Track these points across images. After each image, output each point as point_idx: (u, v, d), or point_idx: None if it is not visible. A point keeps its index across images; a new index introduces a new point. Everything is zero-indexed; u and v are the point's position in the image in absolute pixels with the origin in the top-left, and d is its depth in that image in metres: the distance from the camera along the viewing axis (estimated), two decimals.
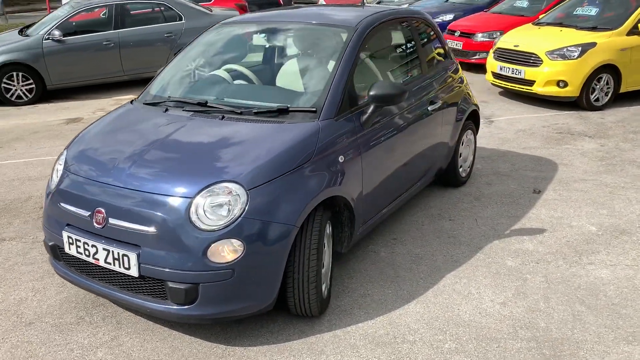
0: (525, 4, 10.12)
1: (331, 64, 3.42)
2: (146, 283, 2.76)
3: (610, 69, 7.24)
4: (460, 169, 4.88)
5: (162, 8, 9.21)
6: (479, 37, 9.55)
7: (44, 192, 3.37)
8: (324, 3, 16.98)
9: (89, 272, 2.96)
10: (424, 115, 4.06)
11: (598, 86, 7.26)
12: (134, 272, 2.73)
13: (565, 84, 7.15)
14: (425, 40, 4.53)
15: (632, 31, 7.28)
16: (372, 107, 3.35)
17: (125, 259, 2.73)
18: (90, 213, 2.85)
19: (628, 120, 6.91)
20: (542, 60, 7.26)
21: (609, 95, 7.38)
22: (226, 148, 2.99)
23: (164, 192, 2.75)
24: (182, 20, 9.19)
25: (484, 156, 5.70)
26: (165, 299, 2.75)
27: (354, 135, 3.28)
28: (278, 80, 3.63)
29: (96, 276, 2.94)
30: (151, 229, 2.69)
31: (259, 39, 4.07)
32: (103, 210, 2.80)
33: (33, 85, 8.39)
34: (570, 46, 7.17)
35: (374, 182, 3.46)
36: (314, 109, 3.18)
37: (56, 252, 3.09)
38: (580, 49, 7.11)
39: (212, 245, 2.64)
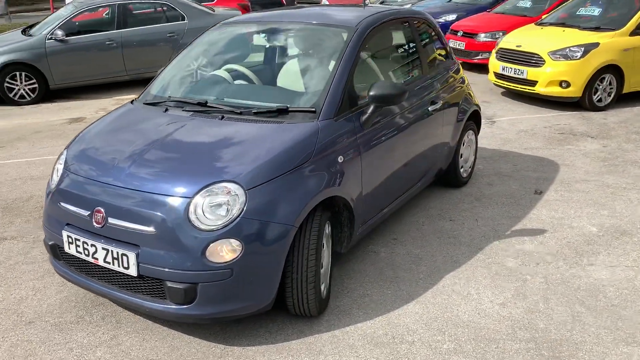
0: (528, 4, 10.09)
1: (331, 64, 3.42)
2: (145, 282, 2.77)
3: (613, 69, 7.21)
4: (461, 170, 4.87)
5: (165, 8, 9.24)
6: (482, 37, 9.53)
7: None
8: (327, 3, 16.99)
9: (88, 271, 2.97)
10: (424, 116, 4.05)
11: (601, 87, 7.24)
12: (132, 271, 2.74)
13: (568, 85, 7.13)
14: (426, 40, 4.53)
15: (635, 31, 7.25)
16: (372, 108, 3.35)
17: (124, 258, 2.74)
18: (89, 213, 2.85)
19: (631, 121, 6.89)
20: (544, 61, 7.25)
21: (612, 95, 7.36)
22: (225, 148, 3.00)
23: (163, 192, 2.76)
24: (184, 20, 9.21)
25: (485, 156, 5.69)
26: (164, 299, 2.76)
27: (354, 135, 3.28)
28: (278, 80, 3.63)
29: (95, 275, 2.94)
30: (150, 229, 2.70)
31: (259, 39, 4.07)
32: (102, 210, 2.81)
33: (36, 85, 8.42)
34: (572, 46, 7.15)
35: (373, 183, 3.46)
36: (314, 109, 3.18)
37: (56, 251, 3.10)
38: (583, 49, 7.09)
39: (211, 245, 2.65)
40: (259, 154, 2.89)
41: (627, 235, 4.05)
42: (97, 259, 2.83)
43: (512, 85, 7.74)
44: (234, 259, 2.66)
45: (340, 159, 3.12)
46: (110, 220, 2.79)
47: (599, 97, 7.28)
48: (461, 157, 4.82)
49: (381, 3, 15.52)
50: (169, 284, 2.69)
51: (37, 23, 9.39)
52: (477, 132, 5.14)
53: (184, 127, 3.18)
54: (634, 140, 6.18)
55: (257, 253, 2.71)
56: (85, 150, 3.23)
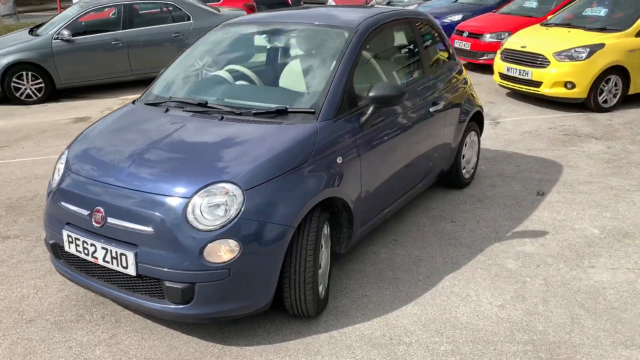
0: (534, 5, 10.05)
1: (331, 65, 3.42)
2: (143, 282, 2.79)
3: (618, 70, 7.17)
4: (464, 171, 4.86)
5: (171, 8, 9.27)
6: (487, 37, 9.50)
7: None
8: (333, 3, 16.99)
9: (88, 270, 2.99)
10: (425, 117, 4.05)
11: (606, 88, 7.20)
12: (131, 271, 2.75)
13: (573, 86, 7.10)
14: (428, 41, 4.52)
15: None
16: (371, 109, 3.35)
17: (123, 258, 2.76)
18: (89, 212, 2.87)
19: (636, 122, 6.85)
20: (549, 62, 7.22)
21: (617, 97, 7.31)
22: (224, 149, 3.01)
23: (161, 192, 2.77)
24: (190, 20, 9.24)
25: (488, 157, 5.68)
26: (162, 298, 2.77)
27: (353, 136, 3.28)
28: (278, 80, 3.64)
29: (95, 275, 2.96)
30: (149, 229, 2.72)
31: (261, 40, 4.08)
32: (102, 210, 2.83)
33: (42, 85, 8.48)
34: (578, 47, 7.12)
35: (373, 184, 3.46)
36: (313, 110, 3.19)
37: (56, 250, 3.12)
38: (588, 50, 7.05)
39: (209, 245, 2.66)
40: (257, 155, 2.90)
41: (629, 237, 4.03)
42: (96, 258, 2.85)
43: (516, 86, 7.72)
44: (231, 259, 2.68)
45: (339, 159, 3.13)
46: (110, 219, 2.81)
47: (604, 98, 7.24)
48: (463, 158, 4.81)
49: (387, 4, 15.51)
50: (167, 283, 2.70)
51: (44, 23, 9.46)
52: (479, 133, 5.12)
53: (183, 127, 3.20)
54: (639, 142, 6.14)
55: (255, 253, 2.72)
56: (86, 150, 3.25)
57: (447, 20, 11.31)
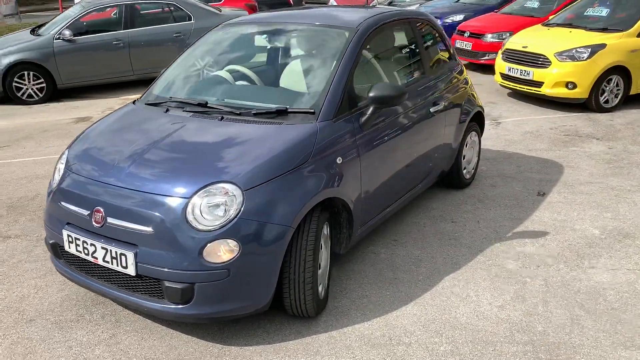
0: (536, 5, 10.04)
1: (331, 65, 3.42)
2: (143, 282, 2.79)
3: (620, 70, 7.16)
4: (464, 171, 4.86)
5: (172, 8, 9.28)
6: (489, 37, 9.50)
7: None
8: (335, 3, 16.99)
9: (88, 270, 3.00)
10: (425, 117, 4.05)
11: (608, 88, 7.19)
12: (131, 271, 2.76)
13: (574, 86, 7.09)
14: (429, 41, 4.52)
15: None
16: (371, 109, 3.35)
17: (123, 258, 2.76)
18: (89, 212, 2.88)
19: (638, 123, 6.84)
20: (550, 62, 7.21)
21: (619, 97, 7.30)
22: (224, 149, 3.01)
23: (161, 192, 2.77)
24: (191, 20, 9.25)
25: (489, 158, 5.67)
26: (162, 298, 2.78)
27: (353, 136, 3.28)
28: (278, 81, 3.64)
29: (95, 274, 2.97)
30: (148, 229, 2.72)
31: (261, 40, 4.08)
32: (102, 210, 2.84)
33: (44, 85, 8.49)
34: (579, 47, 7.11)
35: (373, 184, 3.46)
36: (312, 111, 3.19)
37: (57, 250, 3.12)
38: (589, 50, 7.04)
39: (208, 245, 2.66)
40: (257, 155, 2.90)
41: (629, 238, 4.02)
42: (96, 258, 2.86)
43: (518, 86, 7.71)
44: (231, 259, 2.68)
45: (339, 160, 3.13)
46: (110, 219, 2.81)
47: (605, 99, 7.24)
48: (464, 158, 4.81)
49: (389, 4, 15.51)
50: (167, 283, 2.70)
51: (46, 23, 9.47)
52: (480, 133, 5.12)
53: (183, 127, 3.20)
54: None
55: (254, 253, 2.72)
56: (86, 150, 3.26)
57: (449, 20, 11.31)
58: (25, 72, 8.36)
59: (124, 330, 3.07)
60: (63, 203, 3.02)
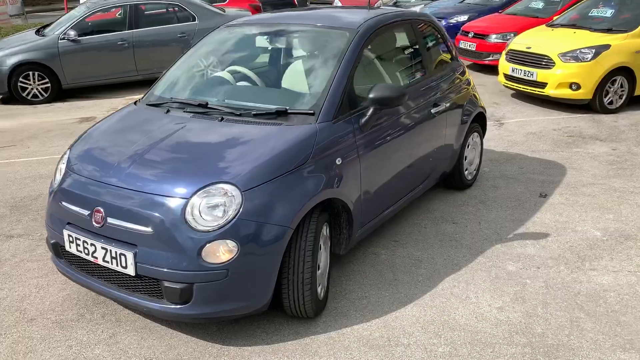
0: (540, 5, 10.00)
1: (332, 67, 3.42)
2: (142, 282, 2.80)
3: (624, 71, 7.13)
4: (466, 172, 4.85)
5: (176, 9, 9.31)
6: (493, 38, 9.47)
7: None
8: (340, 4, 16.99)
9: (88, 270, 3.01)
10: (426, 118, 4.04)
11: (612, 89, 7.16)
12: (130, 271, 2.77)
13: (578, 87, 7.07)
14: (430, 42, 4.52)
15: None
16: (371, 110, 3.35)
17: (123, 258, 2.78)
18: (89, 212, 2.90)
19: None
20: (554, 63, 7.18)
21: (623, 98, 7.27)
22: (223, 149, 3.03)
23: (160, 193, 2.79)
24: (195, 20, 9.27)
25: (491, 159, 5.66)
26: (161, 298, 2.79)
27: (353, 137, 3.29)
28: (279, 82, 3.65)
29: (95, 274, 2.99)
30: (148, 229, 2.73)
31: (262, 41, 4.09)
32: (102, 210, 2.85)
33: (48, 85, 8.54)
34: (583, 48, 7.09)
35: (373, 185, 3.46)
36: (312, 112, 3.20)
37: (58, 250, 3.14)
38: (593, 51, 7.02)
39: (207, 245, 2.67)
40: (256, 156, 2.91)
41: (631, 240, 4.01)
42: (96, 258, 2.87)
43: (521, 87, 7.69)
44: (229, 260, 2.69)
45: (338, 161, 3.13)
46: (109, 220, 2.82)
47: (610, 100, 7.21)
48: (465, 159, 4.80)
49: (394, 4, 15.50)
50: (166, 283, 2.72)
51: (51, 23, 9.52)
52: (482, 134, 5.11)
53: (183, 128, 3.21)
54: None
55: (253, 254, 2.73)
56: (87, 150, 3.28)
57: (453, 20, 11.29)
58: (30, 72, 8.41)
59: (124, 329, 3.08)
60: (64, 203, 3.04)
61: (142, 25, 9.02)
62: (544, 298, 3.31)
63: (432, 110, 4.11)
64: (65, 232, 2.98)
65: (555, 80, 7.16)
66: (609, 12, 7.82)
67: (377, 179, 3.52)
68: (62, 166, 3.27)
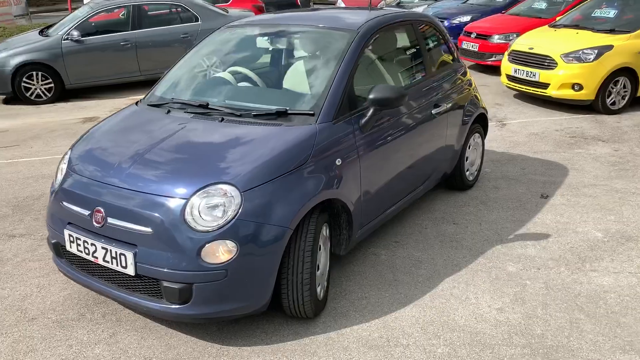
0: (543, 6, 9.99)
1: (332, 68, 3.43)
2: (142, 282, 2.81)
3: (627, 72, 7.11)
4: (467, 173, 4.85)
5: (179, 9, 9.34)
6: (495, 39, 9.46)
7: None
8: (343, 5, 16.99)
9: (89, 270, 3.03)
10: (427, 119, 4.05)
11: (615, 90, 7.15)
12: (130, 270, 2.78)
13: (581, 87, 7.05)
14: (431, 43, 4.52)
15: None
16: (371, 111, 3.36)
17: (122, 257, 2.79)
18: (90, 212, 2.91)
19: None
20: (557, 63, 7.17)
21: (626, 99, 7.25)
22: (223, 150, 3.03)
23: (160, 193, 2.80)
24: (198, 21, 9.29)
25: (493, 159, 5.66)
26: (161, 298, 2.80)
27: (353, 138, 3.29)
28: (279, 83, 3.66)
29: (95, 274, 3.00)
30: (147, 229, 2.74)
31: (263, 42, 4.10)
32: (102, 210, 2.86)
33: (52, 85, 8.57)
34: (586, 49, 7.07)
35: (373, 185, 3.47)
36: (312, 112, 3.20)
37: (58, 249, 3.16)
38: (596, 51, 7.00)
39: (206, 245, 2.68)
40: (256, 156, 2.92)
41: (632, 241, 4.00)
42: (96, 257, 2.89)
43: (524, 88, 7.68)
44: (229, 260, 2.69)
45: (338, 161, 3.14)
46: (110, 220, 2.84)
47: (612, 101, 7.19)
48: (467, 160, 4.80)
49: (397, 4, 15.50)
50: (165, 283, 2.73)
51: (55, 24, 9.55)
52: (483, 135, 5.11)
53: (184, 128, 3.22)
54: None
55: (252, 254, 2.74)
56: (88, 150, 3.29)
57: (456, 21, 11.29)
58: (34, 73, 8.44)
59: (124, 329, 3.09)
60: (65, 203, 3.05)
61: (145, 25, 9.04)
62: (544, 299, 3.31)
63: (433, 111, 4.11)
64: (66, 232, 3.00)
65: (557, 81, 7.15)
66: (612, 13, 7.80)
67: (377, 180, 3.52)
68: (64, 166, 3.29)
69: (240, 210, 2.72)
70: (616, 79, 7.09)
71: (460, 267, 3.67)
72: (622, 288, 3.42)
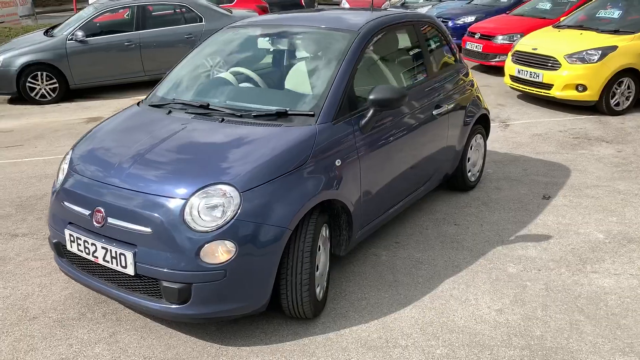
0: (547, 6, 9.96)
1: (332, 68, 3.43)
2: (142, 282, 2.82)
3: (631, 72, 7.09)
4: (469, 174, 4.85)
5: (183, 10, 9.36)
6: (499, 39, 9.44)
7: None
8: (347, 5, 17.00)
9: (89, 269, 3.04)
10: (428, 120, 4.04)
11: (619, 90, 7.12)
12: (130, 270, 2.79)
13: (584, 88, 7.03)
14: (432, 44, 4.51)
15: None
16: (371, 111, 3.36)
17: (122, 257, 2.80)
18: (90, 212, 2.92)
19: None
20: (560, 64, 7.15)
21: (630, 99, 7.22)
22: (223, 150, 3.04)
23: (159, 193, 2.81)
24: (202, 22, 9.32)
25: (495, 160, 5.65)
26: (160, 298, 2.81)
27: (353, 139, 3.29)
28: (279, 83, 3.67)
29: (96, 274, 3.01)
30: (147, 229, 2.75)
31: (264, 42, 4.11)
32: (102, 210, 2.88)
33: (56, 85, 8.61)
34: (590, 49, 7.05)
35: (373, 186, 3.47)
36: (312, 113, 3.21)
37: (60, 249, 3.17)
38: (600, 52, 6.98)
39: (205, 246, 2.69)
40: (255, 157, 2.92)
41: (634, 242, 3.98)
42: (97, 257, 2.90)
43: (527, 89, 7.66)
44: (228, 260, 2.70)
45: (337, 162, 3.14)
46: (110, 220, 2.85)
47: (616, 101, 7.16)
48: (469, 161, 4.79)
49: (402, 5, 15.49)
50: (164, 283, 2.74)
51: (60, 24, 9.60)
52: (486, 136, 5.10)
53: (184, 129, 3.23)
54: None
55: (251, 255, 2.74)
56: (90, 151, 3.31)
57: (460, 21, 11.28)
58: (39, 73, 8.49)
59: (124, 328, 3.11)
60: (66, 203, 3.07)
61: (149, 26, 9.08)
62: (544, 300, 3.30)
63: (434, 112, 4.11)
64: (67, 232, 3.01)
65: (561, 82, 7.13)
66: (616, 14, 7.77)
67: (378, 181, 3.52)
68: (65, 166, 3.31)
69: (239, 211, 2.73)
70: (620, 80, 7.07)
71: (460, 268, 3.67)
72: (623, 290, 3.40)
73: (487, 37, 9.63)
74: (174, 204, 2.76)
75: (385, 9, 4.64)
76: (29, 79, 8.46)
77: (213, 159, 2.99)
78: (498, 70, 9.43)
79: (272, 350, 2.91)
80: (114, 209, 2.85)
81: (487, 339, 2.97)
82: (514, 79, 7.84)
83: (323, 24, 3.90)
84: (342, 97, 3.29)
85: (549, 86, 7.28)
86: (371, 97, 3.29)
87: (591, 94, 7.04)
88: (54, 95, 8.63)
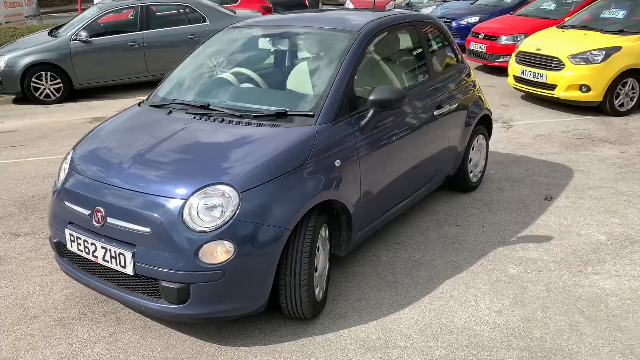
0: (552, 6, 9.93)
1: (332, 69, 3.43)
2: (141, 281, 2.83)
3: (636, 73, 7.06)
4: (471, 174, 4.84)
5: (187, 10, 9.39)
6: (503, 39, 9.42)
7: None
8: (352, 6, 16.98)
9: (89, 269, 3.05)
10: (429, 120, 4.04)
11: (623, 91, 7.09)
12: (129, 270, 2.80)
13: (588, 89, 7.00)
14: (434, 44, 4.51)
15: None
16: (371, 112, 3.35)
17: (122, 257, 2.81)
18: (90, 212, 2.93)
19: None
20: (564, 64, 7.13)
21: (635, 100, 7.19)
22: (222, 151, 3.05)
23: (159, 193, 2.81)
24: (206, 22, 9.34)
25: (498, 161, 5.63)
26: (159, 298, 2.82)
27: (353, 139, 3.29)
28: (280, 84, 3.67)
29: (96, 273, 3.02)
30: (146, 229, 2.76)
31: (265, 43, 4.11)
32: (102, 210, 2.89)
33: (60, 85, 8.65)
34: (593, 50, 7.02)
35: (373, 187, 3.47)
36: (312, 113, 3.21)
37: (60, 249, 3.19)
38: (604, 53, 6.95)
39: (204, 246, 2.69)
40: (255, 157, 2.93)
41: (636, 244, 3.96)
42: (96, 257, 2.91)
43: (531, 89, 7.64)
44: (226, 261, 2.70)
45: (337, 162, 3.14)
46: (109, 219, 2.86)
47: (620, 102, 7.13)
48: (470, 162, 4.78)
49: (406, 5, 15.48)
50: (163, 283, 2.74)
51: (64, 24, 9.64)
52: (488, 136, 5.09)
53: (184, 129, 3.24)
54: None
55: (250, 255, 2.75)
56: (90, 151, 3.32)
57: (464, 22, 11.26)
58: (43, 73, 8.53)
59: (124, 328, 3.12)
60: (66, 202, 3.08)
61: (153, 26, 9.11)
62: (544, 302, 3.29)
63: (435, 112, 4.10)
64: (67, 232, 3.02)
65: (565, 82, 7.11)
66: (620, 14, 7.74)
67: (378, 181, 3.52)
68: (66, 166, 3.32)
69: (238, 211, 2.73)
70: (624, 81, 7.04)
71: (460, 269, 3.66)
72: (624, 291, 3.39)
73: (491, 37, 9.61)
74: (173, 204, 2.76)
75: (389, 10, 4.64)
76: (33, 79, 8.50)
77: (213, 159, 2.99)
78: (502, 71, 9.40)
79: (271, 350, 2.91)
80: (114, 209, 2.86)
81: (486, 340, 2.96)
82: (518, 79, 7.82)
83: (324, 24, 3.90)
84: (342, 98, 3.29)
85: (552, 87, 7.26)
86: (371, 97, 3.29)
87: (595, 95, 7.01)
88: (58, 95, 8.67)
